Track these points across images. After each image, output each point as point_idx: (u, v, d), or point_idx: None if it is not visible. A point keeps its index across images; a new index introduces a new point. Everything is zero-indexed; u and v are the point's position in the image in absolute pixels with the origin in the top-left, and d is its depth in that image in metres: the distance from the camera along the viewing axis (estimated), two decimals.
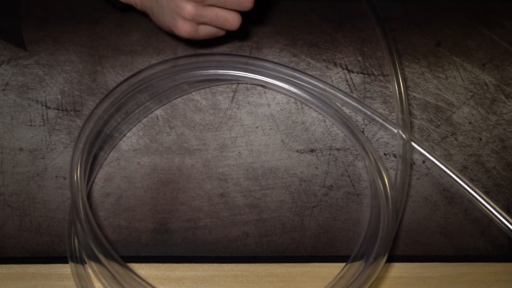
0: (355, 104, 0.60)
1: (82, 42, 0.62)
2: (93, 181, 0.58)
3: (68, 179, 0.56)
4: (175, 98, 0.61)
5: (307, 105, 0.61)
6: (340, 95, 0.60)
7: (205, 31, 0.56)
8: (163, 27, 0.58)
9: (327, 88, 0.60)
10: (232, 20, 0.56)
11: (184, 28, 0.55)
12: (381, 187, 0.55)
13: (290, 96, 0.61)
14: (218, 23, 0.56)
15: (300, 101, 0.61)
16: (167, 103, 0.61)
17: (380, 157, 0.59)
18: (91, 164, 0.57)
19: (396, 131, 0.59)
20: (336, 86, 0.61)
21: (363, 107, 0.60)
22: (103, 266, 0.52)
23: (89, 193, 0.58)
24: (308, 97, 0.59)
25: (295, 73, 0.60)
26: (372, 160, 0.56)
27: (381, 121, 0.60)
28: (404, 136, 0.58)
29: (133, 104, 0.60)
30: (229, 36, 0.63)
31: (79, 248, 0.54)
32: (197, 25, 0.55)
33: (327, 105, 0.59)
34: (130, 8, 0.61)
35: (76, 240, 0.54)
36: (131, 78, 0.58)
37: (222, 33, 0.58)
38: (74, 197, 0.53)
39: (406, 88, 0.62)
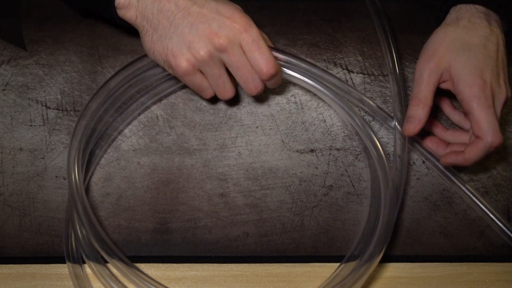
0: (357, 97, 0.58)
1: (82, 42, 0.62)
2: (92, 174, 0.58)
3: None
4: (172, 90, 0.60)
5: (314, 94, 0.59)
6: (341, 86, 0.58)
7: (198, 80, 0.53)
8: (157, 52, 0.52)
9: (331, 79, 0.58)
10: (227, 90, 0.54)
11: (186, 64, 0.51)
12: (382, 175, 0.54)
13: (290, 81, 0.59)
14: (215, 83, 0.53)
15: (301, 86, 0.58)
16: (163, 96, 0.60)
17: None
18: (89, 158, 0.58)
19: (393, 125, 0.58)
20: (339, 77, 0.60)
21: (363, 102, 0.59)
22: (102, 261, 0.52)
23: (89, 193, 0.58)
24: (314, 84, 0.57)
25: (291, 59, 0.57)
26: (377, 151, 0.55)
27: (381, 118, 0.59)
28: (401, 136, 0.57)
29: (127, 98, 0.59)
30: None
31: (77, 245, 0.54)
32: (196, 70, 0.52)
33: (335, 94, 0.57)
34: (125, 25, 0.55)
35: (73, 234, 0.54)
36: (123, 70, 0.57)
37: (209, 94, 0.54)
38: (72, 191, 0.52)
39: (405, 88, 0.61)
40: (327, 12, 0.65)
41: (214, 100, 0.61)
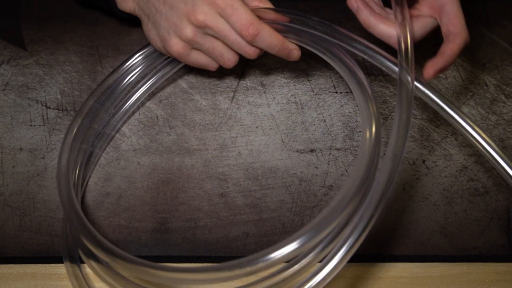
0: (362, 47, 0.55)
1: (82, 42, 0.62)
2: (91, 173, 0.58)
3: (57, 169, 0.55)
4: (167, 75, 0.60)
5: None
6: (342, 37, 0.56)
7: (196, 57, 0.54)
8: (152, 39, 0.54)
9: (334, 33, 0.56)
10: (228, 59, 0.53)
11: (176, 47, 0.52)
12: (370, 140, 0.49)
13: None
14: (213, 56, 0.53)
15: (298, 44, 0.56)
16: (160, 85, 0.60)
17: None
18: (89, 156, 0.58)
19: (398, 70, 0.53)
20: (341, 29, 0.56)
21: (366, 52, 0.55)
22: (103, 260, 0.52)
23: (89, 193, 0.58)
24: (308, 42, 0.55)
25: (296, 17, 0.55)
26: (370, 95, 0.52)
27: (384, 60, 0.55)
28: (408, 76, 0.53)
29: (125, 93, 0.59)
30: None
31: (73, 237, 0.54)
32: (191, 49, 0.53)
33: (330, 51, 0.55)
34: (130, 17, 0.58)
35: (71, 234, 0.54)
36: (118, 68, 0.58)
37: (213, 67, 0.55)
38: (62, 196, 0.52)
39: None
40: (327, 12, 0.65)
41: (214, 99, 0.61)
